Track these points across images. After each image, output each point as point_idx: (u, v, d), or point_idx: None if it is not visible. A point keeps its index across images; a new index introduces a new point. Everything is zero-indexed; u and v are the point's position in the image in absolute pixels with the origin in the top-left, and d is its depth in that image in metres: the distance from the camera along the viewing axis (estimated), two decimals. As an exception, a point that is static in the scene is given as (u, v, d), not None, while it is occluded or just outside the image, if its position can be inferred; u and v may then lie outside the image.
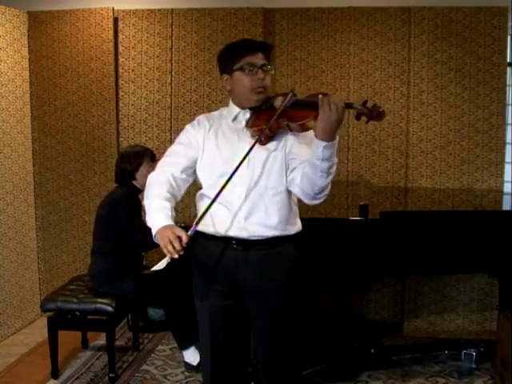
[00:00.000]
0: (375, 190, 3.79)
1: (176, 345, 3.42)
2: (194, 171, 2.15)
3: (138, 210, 3.36)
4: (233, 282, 2.07)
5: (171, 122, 4.03)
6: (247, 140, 2.02)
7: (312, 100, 1.92)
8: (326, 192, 1.95)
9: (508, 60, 3.80)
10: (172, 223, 1.91)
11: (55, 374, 3.19)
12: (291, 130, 2.01)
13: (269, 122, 1.95)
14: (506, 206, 3.68)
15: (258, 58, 2.04)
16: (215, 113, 2.23)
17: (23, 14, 4.00)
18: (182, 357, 3.34)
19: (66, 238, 4.19)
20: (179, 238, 1.80)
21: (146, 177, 3.37)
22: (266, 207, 2.01)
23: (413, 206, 3.65)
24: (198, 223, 1.91)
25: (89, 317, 3.18)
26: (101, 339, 3.60)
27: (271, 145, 2.03)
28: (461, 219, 2.90)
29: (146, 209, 2.01)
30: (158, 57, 4.01)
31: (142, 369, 3.33)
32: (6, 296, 3.84)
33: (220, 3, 3.94)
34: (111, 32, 3.98)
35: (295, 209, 2.11)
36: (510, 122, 3.90)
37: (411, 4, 3.79)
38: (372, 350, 3.31)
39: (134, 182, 3.35)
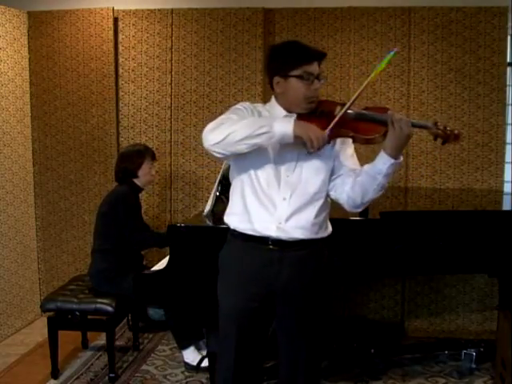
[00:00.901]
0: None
1: (176, 345, 3.42)
2: None
3: (137, 208, 3.37)
4: (264, 283, 2.05)
5: (171, 122, 4.03)
6: (293, 145, 2.00)
7: (380, 116, 1.96)
8: (369, 202, 2.05)
9: (508, 60, 3.80)
10: None
11: (55, 374, 3.19)
12: (354, 142, 2.05)
13: (329, 129, 1.94)
14: (506, 206, 3.68)
15: (314, 67, 2.01)
16: (259, 107, 2.13)
17: (23, 14, 4.00)
18: (182, 357, 3.34)
19: (66, 238, 4.19)
20: (324, 138, 1.89)
21: (147, 175, 3.42)
22: (308, 211, 2.04)
23: (413, 206, 3.65)
24: (333, 128, 1.93)
25: (89, 317, 3.18)
26: (101, 339, 3.60)
27: (322, 151, 2.02)
28: (461, 219, 2.89)
29: (241, 125, 1.92)
30: (158, 57, 4.01)
31: (141, 369, 3.33)
32: (6, 296, 3.84)
33: (220, 3, 3.94)
34: (111, 32, 3.97)
35: (328, 212, 2.14)
36: (509, 121, 3.90)
37: (411, 4, 3.79)
38: (372, 350, 3.31)
39: (135, 181, 3.37)
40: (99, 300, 3.16)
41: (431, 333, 3.88)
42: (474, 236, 2.84)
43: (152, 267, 3.04)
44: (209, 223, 2.87)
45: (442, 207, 3.55)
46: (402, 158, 1.94)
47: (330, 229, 2.16)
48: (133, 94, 4.06)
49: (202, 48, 3.96)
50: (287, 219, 2.02)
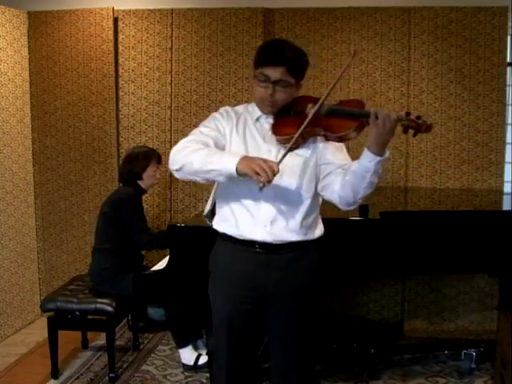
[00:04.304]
0: (375, 190, 3.78)
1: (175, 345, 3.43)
2: None
3: (141, 209, 3.37)
4: (254, 286, 2.04)
5: (171, 122, 4.03)
6: (273, 143, 1.99)
7: (353, 109, 1.89)
8: (363, 199, 1.98)
9: (508, 60, 3.80)
10: None
11: (55, 374, 3.19)
12: (328, 140, 1.96)
13: (300, 130, 1.87)
14: (506, 206, 3.68)
15: (276, 72, 1.92)
16: (240, 108, 2.12)
17: (23, 14, 4.00)
18: (179, 356, 3.34)
19: (66, 238, 4.19)
20: (272, 169, 1.75)
21: (152, 178, 3.43)
22: (293, 212, 1.99)
23: (413, 206, 3.65)
24: (286, 154, 1.84)
25: (89, 317, 3.18)
26: (101, 339, 3.60)
27: (301, 150, 1.98)
28: (461, 219, 2.89)
29: (195, 157, 1.87)
30: (157, 57, 4.01)
31: (142, 369, 3.33)
32: (6, 296, 3.84)
33: (220, 3, 3.94)
34: (111, 32, 3.97)
35: (318, 213, 2.10)
36: (510, 121, 3.90)
37: (411, 4, 3.79)
38: (372, 350, 3.31)
39: (139, 183, 3.37)
40: (99, 300, 3.16)
41: (431, 333, 3.87)
42: (474, 236, 2.84)
43: (152, 267, 3.04)
44: (209, 223, 2.86)
45: (442, 207, 3.55)
46: (388, 153, 1.85)
47: (320, 230, 2.11)
48: (133, 94, 4.06)
49: (201, 48, 3.96)
50: (272, 221, 1.98)
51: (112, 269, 3.25)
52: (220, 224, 2.10)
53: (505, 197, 3.72)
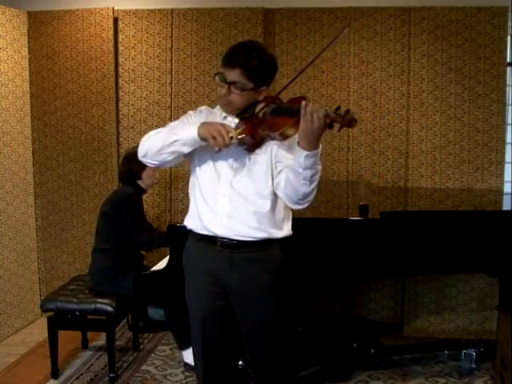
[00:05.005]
0: (375, 190, 3.79)
1: (176, 345, 3.42)
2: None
3: (142, 208, 3.37)
4: (221, 283, 2.06)
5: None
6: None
7: (290, 107, 1.89)
8: (310, 198, 1.93)
9: (508, 60, 3.80)
10: None
11: (55, 374, 3.19)
12: (273, 139, 1.96)
13: (250, 131, 1.91)
14: (506, 206, 3.68)
15: (232, 74, 1.94)
16: (216, 109, 2.16)
17: (23, 14, 4.00)
18: (181, 357, 3.34)
19: (66, 237, 4.19)
20: (228, 132, 1.86)
21: (151, 177, 3.43)
22: (252, 209, 2.00)
23: (413, 205, 3.65)
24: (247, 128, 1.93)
25: (89, 317, 3.18)
26: (101, 339, 3.60)
27: (259, 149, 2.00)
28: (461, 219, 2.89)
29: (157, 137, 2.01)
30: (158, 57, 4.01)
31: (142, 369, 3.33)
32: (6, 296, 3.84)
33: (220, 3, 3.94)
34: (111, 32, 3.97)
35: (285, 213, 2.07)
36: (510, 121, 3.90)
37: (411, 4, 3.79)
38: (372, 350, 3.31)
39: (138, 182, 3.37)
40: (99, 300, 3.16)
41: (431, 333, 3.88)
42: (474, 236, 2.84)
43: (152, 267, 3.04)
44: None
45: (442, 207, 3.55)
46: (320, 147, 1.82)
47: (287, 230, 2.08)
48: (133, 94, 4.06)
49: (202, 48, 3.96)
50: (230, 216, 2.00)
51: (112, 269, 3.25)
52: (188, 220, 2.14)
53: (505, 197, 3.72)
